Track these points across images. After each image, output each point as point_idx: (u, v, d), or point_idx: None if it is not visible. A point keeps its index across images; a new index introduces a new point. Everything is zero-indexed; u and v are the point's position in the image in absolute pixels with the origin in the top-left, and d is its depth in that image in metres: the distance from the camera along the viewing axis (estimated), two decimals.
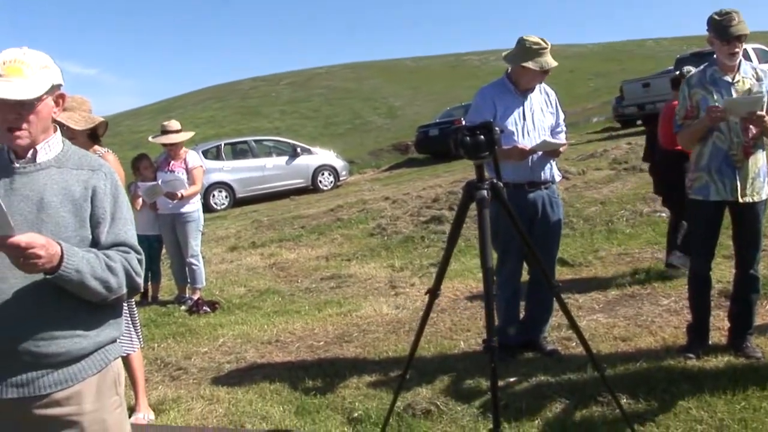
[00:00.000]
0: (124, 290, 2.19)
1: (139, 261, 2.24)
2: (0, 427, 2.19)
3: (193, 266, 7.37)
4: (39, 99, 2.12)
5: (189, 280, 7.47)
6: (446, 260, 3.44)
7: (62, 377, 2.14)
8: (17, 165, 2.19)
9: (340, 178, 19.73)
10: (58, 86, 2.21)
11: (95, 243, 2.19)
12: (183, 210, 7.25)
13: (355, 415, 4.08)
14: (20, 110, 2.10)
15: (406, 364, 3.55)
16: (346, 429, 3.94)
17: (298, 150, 19.26)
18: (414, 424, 3.84)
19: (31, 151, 2.19)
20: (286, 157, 18.97)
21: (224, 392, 4.77)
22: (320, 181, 19.14)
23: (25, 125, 2.13)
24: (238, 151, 19.23)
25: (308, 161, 19.14)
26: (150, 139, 7.79)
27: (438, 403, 4.04)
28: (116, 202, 2.25)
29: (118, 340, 2.34)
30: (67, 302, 2.11)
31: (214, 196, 17.38)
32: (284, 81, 50.09)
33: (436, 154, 21.53)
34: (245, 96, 46.25)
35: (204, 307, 6.98)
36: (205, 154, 17.41)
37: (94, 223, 2.19)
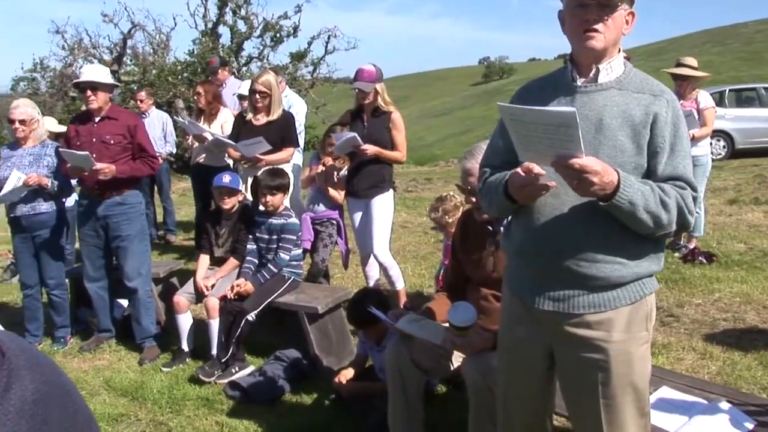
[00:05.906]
0: (674, 227, 2.12)
1: (694, 198, 2.13)
2: (535, 335, 2.32)
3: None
4: (620, 3, 2.09)
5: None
6: None
7: (596, 301, 2.16)
8: (579, 84, 2.21)
9: None
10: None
11: (649, 173, 2.13)
12: (692, 153, 6.93)
13: None
14: (601, 12, 2.08)
15: None
16: None
17: None
18: None
19: (593, 71, 2.18)
20: None
21: (719, 350, 4.55)
22: None
23: (601, 27, 2.10)
24: (744, 99, 17.62)
25: None
26: (663, 70, 7.60)
27: None
28: (677, 132, 2.14)
29: (654, 276, 2.28)
30: (615, 229, 2.10)
31: (711, 144, 16.32)
32: None
33: None
34: (749, 40, 41.97)
35: (700, 258, 6.67)
36: None
37: (651, 152, 2.13)
